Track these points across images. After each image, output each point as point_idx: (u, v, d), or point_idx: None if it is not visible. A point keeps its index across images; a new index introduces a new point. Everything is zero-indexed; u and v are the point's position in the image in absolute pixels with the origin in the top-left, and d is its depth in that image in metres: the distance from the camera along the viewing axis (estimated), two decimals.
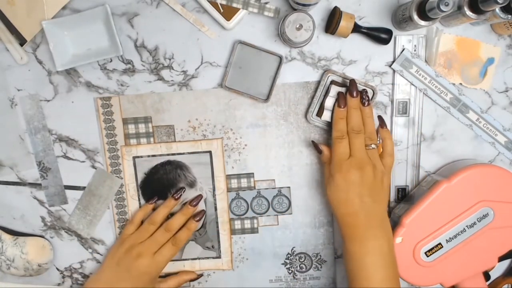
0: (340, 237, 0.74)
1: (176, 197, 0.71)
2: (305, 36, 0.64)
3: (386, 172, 0.65)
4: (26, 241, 0.72)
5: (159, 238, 0.69)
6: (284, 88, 0.71)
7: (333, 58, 0.70)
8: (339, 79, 0.69)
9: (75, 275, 0.76)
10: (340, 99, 0.66)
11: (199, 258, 0.75)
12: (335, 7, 0.66)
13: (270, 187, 0.73)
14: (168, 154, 0.72)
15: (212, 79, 0.71)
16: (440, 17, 0.59)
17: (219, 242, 0.74)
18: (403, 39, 0.69)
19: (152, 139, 0.72)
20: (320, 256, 0.75)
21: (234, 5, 0.67)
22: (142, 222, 0.72)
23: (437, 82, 0.69)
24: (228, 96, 0.71)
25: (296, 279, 0.76)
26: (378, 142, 0.66)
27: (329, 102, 0.69)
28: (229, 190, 0.73)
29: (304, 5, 0.63)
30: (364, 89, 0.67)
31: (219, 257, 0.75)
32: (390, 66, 0.70)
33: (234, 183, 0.73)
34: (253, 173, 0.73)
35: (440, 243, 0.66)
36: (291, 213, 0.74)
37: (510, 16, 0.61)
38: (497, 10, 0.61)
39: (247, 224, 0.74)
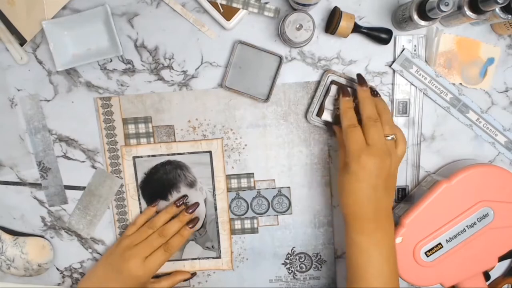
0: (340, 237, 0.74)
1: (178, 205, 0.71)
2: (305, 36, 0.64)
3: (398, 162, 0.63)
4: (26, 241, 0.72)
5: (153, 242, 0.69)
6: (284, 88, 0.71)
7: (333, 58, 0.70)
8: (339, 79, 0.69)
9: (75, 275, 0.76)
10: (344, 90, 0.64)
11: (199, 258, 0.75)
12: (335, 7, 0.66)
13: (270, 187, 0.73)
14: (168, 154, 0.72)
15: (212, 79, 0.71)
16: (440, 17, 0.59)
17: (219, 242, 0.74)
18: (403, 39, 0.69)
19: (152, 139, 0.72)
20: (320, 256, 0.75)
21: (234, 5, 0.67)
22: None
23: (437, 82, 0.69)
24: (228, 96, 0.71)
25: (296, 279, 0.76)
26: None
27: (329, 102, 0.69)
28: (229, 190, 0.73)
29: (304, 5, 0.63)
30: (371, 85, 0.67)
31: (219, 257, 0.75)
32: (390, 66, 0.70)
33: (234, 183, 0.73)
34: (253, 173, 0.73)
35: (440, 243, 0.66)
36: (291, 213, 0.74)
37: (510, 16, 0.61)
38: (497, 10, 0.61)
39: (247, 224, 0.74)
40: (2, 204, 0.73)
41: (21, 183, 0.73)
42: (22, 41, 0.69)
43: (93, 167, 0.73)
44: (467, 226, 0.66)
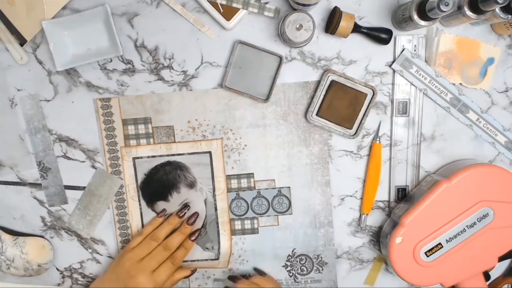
0: (340, 238, 0.74)
1: (181, 215, 0.71)
2: (305, 36, 0.64)
3: None
4: (26, 241, 0.72)
5: (158, 256, 0.68)
6: (284, 88, 0.71)
7: (333, 58, 0.70)
8: (339, 79, 0.69)
9: (75, 275, 0.76)
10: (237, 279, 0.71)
11: (197, 260, 0.75)
12: (335, 7, 0.66)
13: (270, 187, 0.73)
14: (168, 155, 0.72)
15: (212, 79, 0.71)
16: (440, 17, 0.59)
17: (219, 242, 0.74)
18: (403, 39, 0.69)
19: (152, 140, 0.72)
20: (321, 258, 0.75)
21: (234, 5, 0.67)
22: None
23: (437, 82, 0.69)
24: (227, 96, 0.71)
25: (297, 282, 0.75)
26: None
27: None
28: (229, 190, 0.73)
29: (304, 5, 0.63)
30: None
31: (216, 258, 0.74)
32: (390, 66, 0.70)
33: (234, 183, 0.73)
34: (253, 173, 0.73)
35: (440, 243, 0.66)
36: (291, 213, 0.74)
37: (510, 16, 0.61)
38: (497, 10, 0.61)
39: (247, 224, 0.74)
40: (2, 204, 0.73)
41: (21, 183, 0.73)
42: (22, 41, 0.69)
43: (93, 167, 0.73)
44: (467, 226, 0.66)
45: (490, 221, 0.66)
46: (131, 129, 0.72)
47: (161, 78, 0.71)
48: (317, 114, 0.70)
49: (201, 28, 0.69)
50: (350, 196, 0.73)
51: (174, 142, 0.72)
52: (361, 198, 0.73)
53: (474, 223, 0.66)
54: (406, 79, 0.69)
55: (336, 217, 0.74)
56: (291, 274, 0.75)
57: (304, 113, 0.71)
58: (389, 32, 0.67)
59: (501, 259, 0.70)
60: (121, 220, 0.74)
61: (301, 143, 0.72)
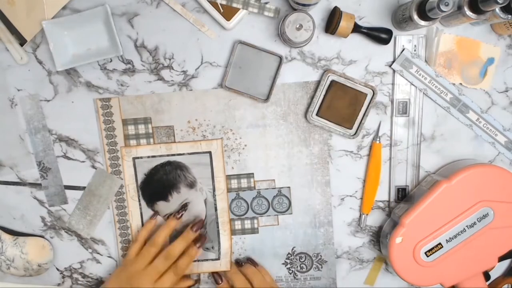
0: (340, 237, 0.74)
1: (178, 217, 0.71)
2: (305, 36, 0.64)
3: None
4: (26, 241, 0.72)
5: (159, 267, 0.67)
6: (284, 88, 0.71)
7: (333, 58, 0.70)
8: (339, 79, 0.69)
9: (75, 275, 0.76)
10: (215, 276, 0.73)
11: (198, 260, 0.75)
12: (335, 7, 0.66)
13: (270, 187, 0.73)
14: (168, 155, 0.72)
15: (212, 79, 0.71)
16: (440, 17, 0.59)
17: (219, 243, 0.74)
18: (403, 39, 0.69)
19: (152, 140, 0.72)
20: (321, 256, 0.75)
21: (234, 5, 0.67)
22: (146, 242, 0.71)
23: (437, 82, 0.69)
24: (227, 96, 0.71)
25: (296, 279, 0.76)
26: None
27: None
28: (229, 190, 0.73)
29: (304, 5, 0.63)
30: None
31: (218, 258, 0.74)
32: (390, 66, 0.70)
33: (234, 183, 0.73)
34: (253, 173, 0.73)
35: (440, 243, 0.66)
36: (291, 213, 0.74)
37: (510, 16, 0.61)
38: (497, 10, 0.61)
39: (247, 224, 0.74)
40: (2, 204, 0.73)
41: (21, 183, 0.73)
42: (22, 41, 0.69)
43: (93, 167, 0.73)
44: (467, 226, 0.66)
45: (490, 221, 0.66)
46: (131, 129, 0.72)
47: (161, 78, 0.71)
48: (317, 114, 0.70)
49: (201, 28, 0.69)
50: (350, 196, 0.73)
51: (174, 142, 0.72)
52: (361, 198, 0.73)
53: (474, 223, 0.66)
54: (406, 79, 0.69)
55: (336, 217, 0.74)
56: (290, 272, 0.75)
57: (304, 113, 0.71)
58: (389, 32, 0.67)
59: (501, 259, 0.70)
60: (121, 220, 0.74)
61: (301, 143, 0.72)
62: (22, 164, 0.72)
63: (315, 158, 0.72)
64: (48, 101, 0.71)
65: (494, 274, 0.76)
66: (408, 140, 0.71)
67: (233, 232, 0.74)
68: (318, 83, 0.70)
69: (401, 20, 0.65)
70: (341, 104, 0.70)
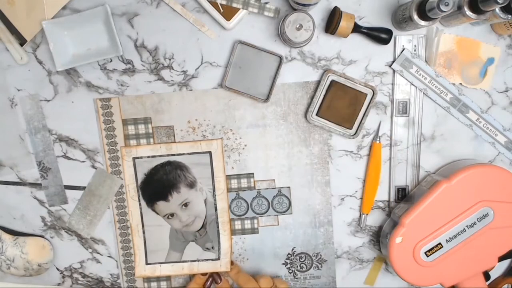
0: (340, 237, 0.74)
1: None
2: (305, 36, 0.64)
3: None
4: (26, 241, 0.72)
5: None
6: (284, 88, 0.71)
7: (333, 58, 0.70)
8: (339, 79, 0.69)
9: (75, 275, 0.76)
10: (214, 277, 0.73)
11: (198, 260, 0.75)
12: (335, 7, 0.66)
13: (270, 187, 0.73)
14: (168, 155, 0.72)
15: (212, 79, 0.71)
16: (440, 17, 0.59)
17: (219, 243, 0.74)
18: (403, 39, 0.69)
19: (152, 140, 0.72)
20: (321, 255, 0.75)
21: (234, 5, 0.67)
22: None
23: (437, 82, 0.69)
24: (227, 96, 0.71)
25: (296, 278, 0.76)
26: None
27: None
28: (229, 190, 0.73)
29: (304, 5, 0.63)
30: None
31: (218, 258, 0.74)
32: (390, 66, 0.70)
33: (234, 183, 0.73)
34: (253, 173, 0.73)
35: (440, 243, 0.66)
36: (291, 213, 0.74)
37: (510, 16, 0.61)
38: (497, 10, 0.61)
39: (247, 224, 0.74)
40: (2, 204, 0.74)
41: (21, 183, 0.73)
42: (22, 41, 0.69)
43: (93, 167, 0.73)
44: (467, 226, 0.66)
45: (490, 221, 0.66)
46: (131, 129, 0.72)
47: (161, 78, 0.71)
48: (317, 114, 0.70)
49: (201, 28, 0.69)
50: (350, 196, 0.73)
51: (174, 142, 0.72)
52: (361, 198, 0.73)
53: (474, 223, 0.66)
54: (406, 79, 0.69)
55: (336, 217, 0.74)
56: (290, 271, 0.75)
57: (304, 113, 0.71)
58: (389, 32, 0.67)
59: (501, 259, 0.70)
60: (121, 220, 0.74)
61: (301, 143, 0.72)
62: (22, 164, 0.73)
63: (315, 158, 0.72)
64: (48, 101, 0.71)
65: (494, 274, 0.76)
66: (408, 140, 0.71)
67: (233, 232, 0.74)
68: (318, 83, 0.70)
69: (401, 20, 0.65)
70: (341, 104, 0.70)
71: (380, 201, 0.73)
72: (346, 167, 0.73)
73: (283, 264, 0.75)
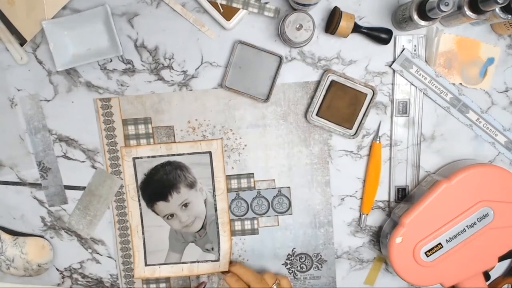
0: (340, 237, 0.74)
1: None
2: (305, 36, 0.64)
3: None
4: (26, 241, 0.72)
5: None
6: (284, 88, 0.71)
7: (333, 58, 0.70)
8: (339, 79, 0.69)
9: (75, 275, 0.76)
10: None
11: (198, 261, 0.75)
12: (335, 7, 0.66)
13: (270, 187, 0.73)
14: (168, 155, 0.72)
15: (212, 79, 0.71)
16: (440, 17, 0.59)
17: (219, 244, 0.74)
18: (403, 39, 0.69)
19: (152, 140, 0.72)
20: (321, 256, 0.75)
21: (234, 5, 0.67)
22: None
23: (437, 82, 0.69)
24: (227, 96, 0.71)
25: (296, 278, 0.76)
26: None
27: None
28: (229, 190, 0.73)
29: (304, 5, 0.63)
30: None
31: (217, 260, 0.74)
32: (390, 66, 0.70)
33: (234, 183, 0.73)
34: (253, 173, 0.73)
35: (440, 243, 0.66)
36: (291, 214, 0.74)
37: (510, 16, 0.61)
38: (497, 10, 0.61)
39: (247, 225, 0.74)
40: (2, 204, 0.73)
41: (21, 183, 0.73)
42: (22, 41, 0.69)
43: (93, 167, 0.73)
44: (467, 226, 0.66)
45: (490, 221, 0.66)
46: (131, 129, 0.72)
47: (161, 78, 0.71)
48: (317, 114, 0.70)
49: (201, 28, 0.69)
50: (350, 196, 0.73)
51: (174, 142, 0.72)
52: (361, 198, 0.73)
53: (474, 223, 0.66)
54: (406, 79, 0.69)
55: (336, 217, 0.74)
56: (290, 272, 0.75)
57: (304, 113, 0.71)
58: (389, 32, 0.67)
59: (501, 259, 0.70)
60: (121, 220, 0.74)
61: (301, 143, 0.72)
62: (22, 164, 0.72)
63: (315, 158, 0.72)
64: (48, 101, 0.71)
65: (494, 274, 0.76)
66: (408, 140, 0.71)
67: (233, 233, 0.74)
68: (318, 83, 0.70)
69: (401, 20, 0.65)
70: (341, 104, 0.70)
71: (380, 201, 0.73)
72: (346, 167, 0.73)
73: (283, 264, 0.75)
